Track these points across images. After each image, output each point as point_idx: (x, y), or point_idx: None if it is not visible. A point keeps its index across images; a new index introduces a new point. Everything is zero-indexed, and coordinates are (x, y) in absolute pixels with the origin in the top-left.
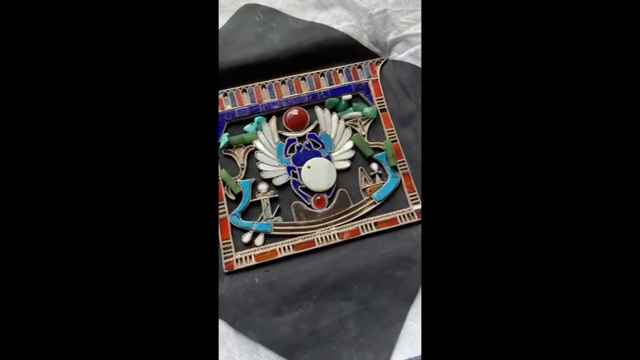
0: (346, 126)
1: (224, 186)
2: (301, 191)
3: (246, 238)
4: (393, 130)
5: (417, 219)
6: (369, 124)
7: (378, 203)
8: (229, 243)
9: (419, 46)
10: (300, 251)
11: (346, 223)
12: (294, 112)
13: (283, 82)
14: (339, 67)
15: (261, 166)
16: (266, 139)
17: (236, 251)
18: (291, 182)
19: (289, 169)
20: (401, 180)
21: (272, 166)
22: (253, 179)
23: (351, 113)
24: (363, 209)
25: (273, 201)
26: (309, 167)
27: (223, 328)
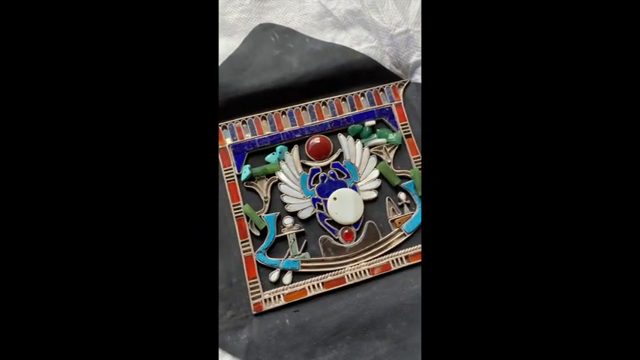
0: (371, 154)
1: (247, 221)
2: (328, 224)
3: (274, 276)
4: (419, 157)
5: None
6: (394, 150)
7: (407, 235)
8: (256, 282)
9: None
10: (331, 289)
11: (376, 258)
12: (317, 140)
13: (304, 109)
14: (361, 90)
15: (285, 199)
16: (289, 169)
17: (264, 291)
18: (317, 215)
19: (314, 200)
20: None
21: (296, 199)
22: (278, 213)
23: (375, 140)
24: (392, 242)
25: (299, 236)
26: (335, 199)
27: None
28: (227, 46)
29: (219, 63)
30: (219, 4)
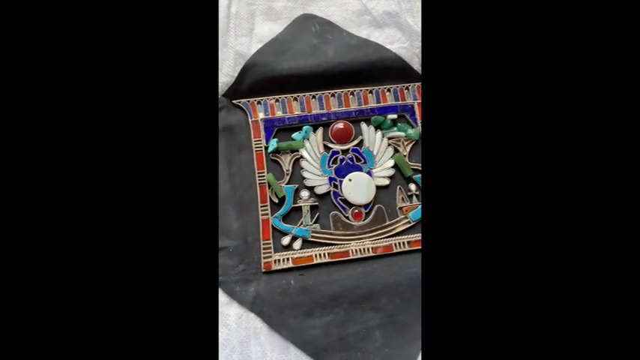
0: (389, 144)
1: (269, 188)
2: (340, 202)
3: (286, 241)
4: None
5: None
6: (411, 145)
7: (412, 223)
8: (269, 244)
9: None
10: (335, 260)
11: (380, 239)
12: (341, 125)
13: (333, 95)
14: (388, 86)
15: (304, 174)
16: (312, 148)
17: (275, 252)
18: (332, 193)
19: (331, 179)
20: None
21: (315, 175)
22: (296, 185)
23: (394, 132)
24: (397, 227)
25: (313, 208)
26: (350, 180)
27: (258, 324)
28: (271, 30)
29: (262, 44)
30: None
